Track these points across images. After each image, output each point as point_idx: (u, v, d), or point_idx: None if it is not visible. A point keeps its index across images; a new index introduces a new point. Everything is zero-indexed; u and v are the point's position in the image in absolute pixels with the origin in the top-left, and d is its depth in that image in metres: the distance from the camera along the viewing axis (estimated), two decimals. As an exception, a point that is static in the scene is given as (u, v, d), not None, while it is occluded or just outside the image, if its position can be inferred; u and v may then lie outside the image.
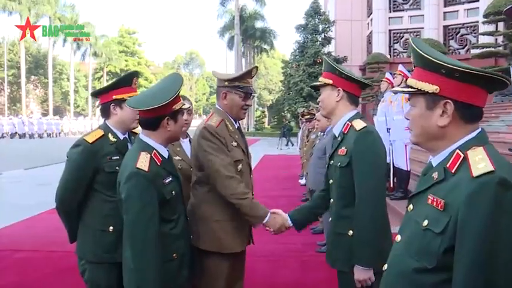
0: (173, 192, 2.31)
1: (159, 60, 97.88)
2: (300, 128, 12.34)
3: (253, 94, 2.89)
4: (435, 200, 1.36)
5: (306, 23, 30.81)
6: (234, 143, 2.76)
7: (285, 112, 35.61)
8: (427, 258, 1.34)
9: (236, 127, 2.87)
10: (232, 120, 2.85)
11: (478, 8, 24.01)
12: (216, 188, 2.65)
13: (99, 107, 2.92)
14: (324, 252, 5.65)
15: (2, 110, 53.45)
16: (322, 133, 6.02)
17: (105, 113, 2.80)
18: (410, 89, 1.47)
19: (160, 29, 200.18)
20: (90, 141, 2.65)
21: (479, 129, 1.41)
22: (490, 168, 1.24)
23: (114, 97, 2.72)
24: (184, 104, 2.42)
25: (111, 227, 2.60)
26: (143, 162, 2.19)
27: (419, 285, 1.37)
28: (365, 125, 2.41)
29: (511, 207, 1.20)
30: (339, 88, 2.51)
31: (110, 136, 2.71)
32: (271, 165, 16.58)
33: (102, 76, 61.82)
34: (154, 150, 2.29)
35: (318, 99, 2.72)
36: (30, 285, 4.55)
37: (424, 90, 1.41)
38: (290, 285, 4.62)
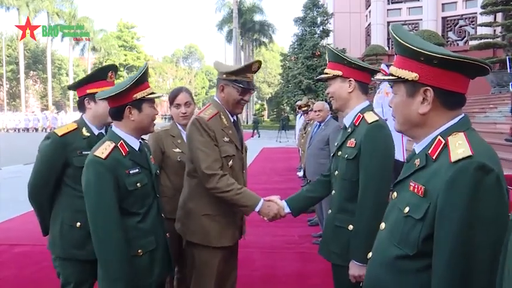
0: (138, 184, 2.24)
1: (158, 55, 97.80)
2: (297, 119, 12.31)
3: (252, 89, 2.78)
4: (416, 186, 1.36)
5: (305, 15, 30.62)
6: (226, 138, 2.70)
7: (284, 105, 35.55)
8: (408, 245, 1.36)
9: (232, 121, 2.80)
10: (228, 113, 2.78)
11: (476, -1, 23.96)
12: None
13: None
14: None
15: (1, 105, 53.37)
16: (319, 124, 6.01)
17: (81, 107, 2.78)
18: (391, 77, 1.47)
19: (159, 23, 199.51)
20: (60, 134, 2.63)
21: (462, 115, 1.40)
22: (468, 153, 1.24)
23: (88, 91, 2.69)
24: (152, 94, 2.32)
25: (78, 223, 2.57)
26: (103, 150, 2.17)
27: (402, 272, 1.39)
28: (377, 118, 2.35)
29: (489, 192, 1.21)
30: (350, 79, 2.42)
31: (84, 130, 2.68)
32: (270, 157, 16.61)
33: (101, 71, 61.49)
34: (121, 141, 2.26)
35: (327, 92, 2.60)
36: (28, 278, 4.58)
37: (404, 78, 1.40)
38: (288, 276, 4.65)
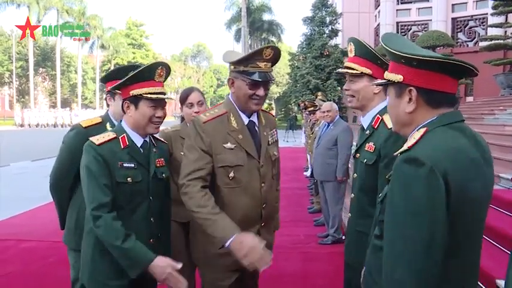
0: (129, 178, 2.19)
1: (166, 53, 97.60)
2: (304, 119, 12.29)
3: (265, 82, 2.30)
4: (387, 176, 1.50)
5: (313, 15, 30.58)
6: (230, 145, 2.29)
7: (292, 105, 35.53)
8: (377, 226, 1.61)
9: (246, 123, 2.38)
10: (240, 113, 2.37)
11: (487, -1, 23.73)
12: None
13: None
14: (327, 244, 5.74)
15: (11, 102, 53.83)
16: (328, 124, 6.03)
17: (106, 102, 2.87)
18: (382, 81, 1.58)
19: (167, 21, 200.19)
20: (84, 126, 2.69)
21: (441, 113, 1.44)
22: (406, 147, 1.38)
23: (109, 88, 2.73)
24: (152, 93, 2.22)
25: None
26: (99, 137, 2.20)
27: (376, 248, 1.62)
28: None
29: (418, 183, 1.29)
30: (379, 79, 2.29)
31: (108, 125, 2.73)
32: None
33: (109, 68, 61.75)
34: (124, 134, 2.26)
35: (347, 88, 2.35)
36: (34, 273, 4.62)
37: (392, 80, 1.50)
38: (293, 276, 4.64)
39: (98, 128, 2.67)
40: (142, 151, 2.30)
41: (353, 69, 2.29)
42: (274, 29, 51.06)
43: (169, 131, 3.14)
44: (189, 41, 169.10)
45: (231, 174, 2.29)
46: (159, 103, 2.28)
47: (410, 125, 1.50)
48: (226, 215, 2.20)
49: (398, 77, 1.47)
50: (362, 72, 2.25)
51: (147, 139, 2.36)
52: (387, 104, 1.62)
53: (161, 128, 2.72)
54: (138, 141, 2.30)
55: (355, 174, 2.34)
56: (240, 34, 48.12)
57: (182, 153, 2.62)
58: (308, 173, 10.33)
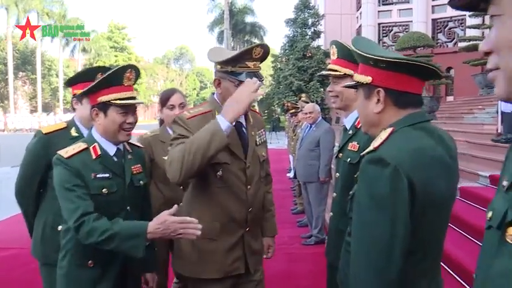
0: (104, 190, 2.07)
1: (149, 56, 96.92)
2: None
3: (255, 82, 2.14)
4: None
5: (296, 17, 30.70)
6: None
7: (275, 106, 35.60)
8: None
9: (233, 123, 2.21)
10: None
11: (465, 1, 23.99)
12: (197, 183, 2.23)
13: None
14: (310, 245, 5.76)
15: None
16: (310, 125, 6.06)
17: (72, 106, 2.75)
18: (351, 83, 1.62)
19: (150, 24, 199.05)
20: (44, 132, 2.56)
21: (407, 114, 1.47)
22: (372, 147, 1.40)
23: (74, 91, 2.66)
24: (122, 99, 2.10)
25: (60, 226, 2.30)
26: (68, 150, 2.06)
27: (347, 244, 1.67)
28: None
29: (382, 183, 1.31)
30: None
31: (72, 131, 2.60)
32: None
33: (91, 72, 61.00)
34: (95, 143, 2.12)
35: (330, 89, 2.43)
36: (16, 280, 4.57)
37: (361, 82, 1.53)
38: (278, 277, 4.65)
39: (62, 133, 2.56)
40: (116, 160, 2.18)
41: (336, 71, 2.35)
42: (257, 31, 51.13)
43: (148, 136, 3.01)
44: (172, 44, 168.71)
45: (219, 173, 2.18)
46: (130, 109, 2.15)
47: (379, 126, 1.52)
48: (214, 214, 2.20)
49: (367, 79, 1.50)
50: (345, 74, 2.31)
51: (121, 146, 2.23)
52: (357, 106, 1.66)
53: (141, 132, 2.65)
54: (111, 149, 2.17)
55: (338, 174, 2.37)
56: (222, 36, 48.05)
57: (164, 157, 2.38)
58: (291, 175, 10.37)
